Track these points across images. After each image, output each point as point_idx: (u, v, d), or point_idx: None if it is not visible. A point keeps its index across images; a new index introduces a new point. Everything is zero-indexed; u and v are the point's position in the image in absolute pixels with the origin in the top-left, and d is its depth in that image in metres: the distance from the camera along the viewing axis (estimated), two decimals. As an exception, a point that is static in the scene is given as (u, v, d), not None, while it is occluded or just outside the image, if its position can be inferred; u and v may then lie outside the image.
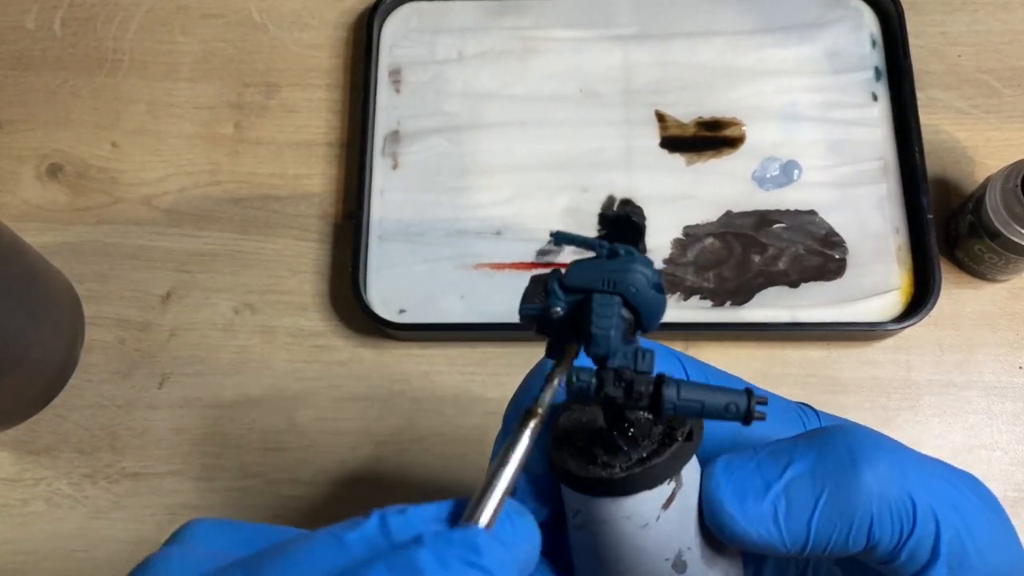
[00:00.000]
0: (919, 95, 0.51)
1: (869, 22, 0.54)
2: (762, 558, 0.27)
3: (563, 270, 0.23)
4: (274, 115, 0.55)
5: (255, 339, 0.50)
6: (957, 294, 0.50)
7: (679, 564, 0.23)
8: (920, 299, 0.48)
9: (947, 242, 0.51)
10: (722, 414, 0.22)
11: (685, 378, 0.26)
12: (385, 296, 0.49)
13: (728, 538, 0.23)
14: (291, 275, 0.52)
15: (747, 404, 0.21)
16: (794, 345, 0.49)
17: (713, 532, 0.23)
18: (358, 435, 0.48)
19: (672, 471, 0.23)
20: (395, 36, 0.55)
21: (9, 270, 0.45)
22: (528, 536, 0.20)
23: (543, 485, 0.25)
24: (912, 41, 0.52)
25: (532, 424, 0.21)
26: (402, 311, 0.49)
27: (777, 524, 0.23)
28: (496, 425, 0.28)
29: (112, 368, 0.50)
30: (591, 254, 0.23)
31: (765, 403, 0.21)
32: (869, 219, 0.50)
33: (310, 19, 0.57)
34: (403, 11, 0.55)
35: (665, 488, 0.23)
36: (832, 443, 0.23)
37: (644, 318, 0.22)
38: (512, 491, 0.20)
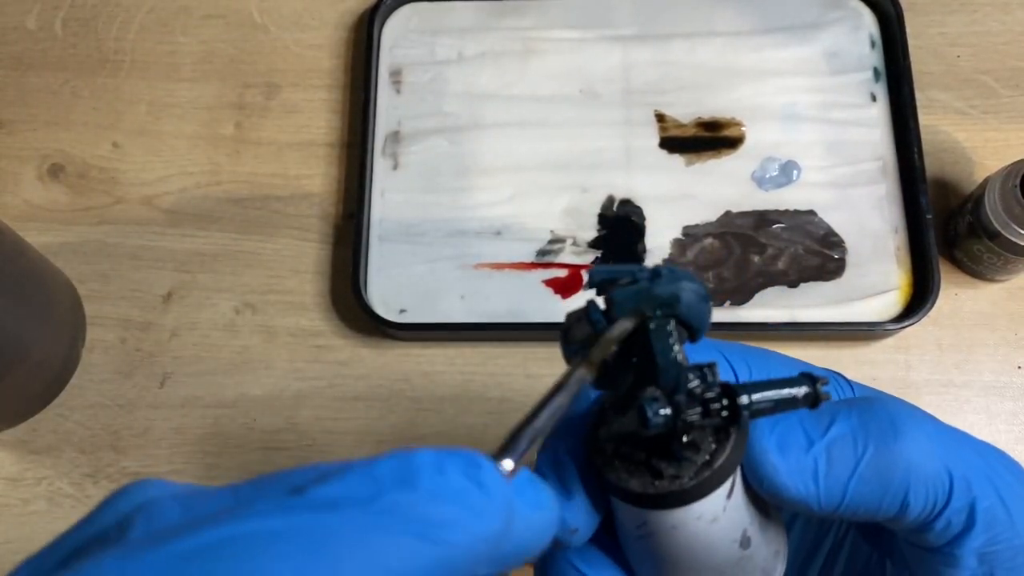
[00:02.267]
0: (918, 96, 0.51)
1: (868, 23, 0.54)
2: (788, 525, 0.27)
3: (600, 300, 0.22)
4: (275, 115, 0.55)
5: (256, 339, 0.50)
6: (956, 294, 0.50)
7: (745, 541, 0.24)
8: (919, 299, 0.48)
9: (946, 242, 0.51)
10: (793, 405, 0.21)
11: (731, 370, 0.26)
12: (385, 296, 0.50)
13: (767, 490, 0.23)
14: (292, 275, 0.52)
15: (814, 391, 0.21)
16: (793, 345, 0.49)
17: (752, 485, 0.23)
18: (358, 435, 0.48)
19: (736, 464, 0.22)
20: (395, 37, 0.55)
21: (11, 270, 0.45)
22: (545, 507, 0.19)
23: (593, 494, 0.24)
24: (911, 42, 0.53)
25: (581, 373, 0.20)
26: (402, 311, 0.49)
27: (816, 480, 0.23)
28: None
29: (113, 368, 0.50)
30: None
31: (827, 383, 0.21)
32: (868, 219, 0.50)
33: (311, 20, 0.57)
34: (403, 12, 0.56)
35: (728, 480, 0.22)
36: (874, 410, 0.23)
37: (697, 332, 0.22)
38: (544, 440, 0.18)
